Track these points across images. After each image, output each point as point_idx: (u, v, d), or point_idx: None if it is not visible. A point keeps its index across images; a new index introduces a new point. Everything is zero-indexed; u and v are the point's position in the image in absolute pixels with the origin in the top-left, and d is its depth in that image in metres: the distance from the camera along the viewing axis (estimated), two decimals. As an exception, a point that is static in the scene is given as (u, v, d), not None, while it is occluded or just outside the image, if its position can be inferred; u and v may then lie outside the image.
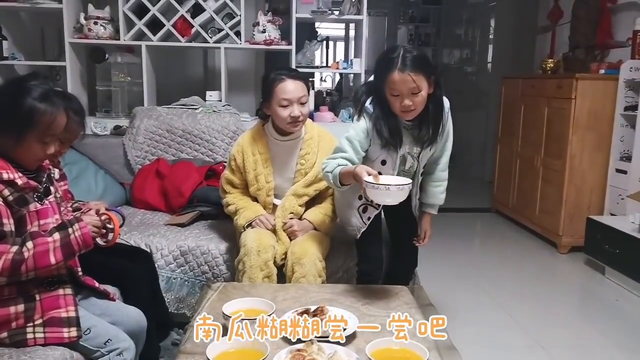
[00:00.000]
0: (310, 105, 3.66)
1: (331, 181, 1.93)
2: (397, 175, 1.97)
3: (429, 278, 2.57)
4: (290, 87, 2.13)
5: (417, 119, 1.93)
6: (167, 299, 2.32)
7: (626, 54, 3.76)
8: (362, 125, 1.96)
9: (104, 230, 1.58)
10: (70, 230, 1.43)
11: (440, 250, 3.53)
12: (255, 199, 2.33)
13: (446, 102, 2.00)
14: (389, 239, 2.35)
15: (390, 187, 1.60)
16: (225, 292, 1.84)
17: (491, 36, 6.54)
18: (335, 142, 2.18)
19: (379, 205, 2.07)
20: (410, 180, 1.78)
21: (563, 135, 3.73)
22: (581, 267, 3.55)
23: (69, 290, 1.50)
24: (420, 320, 1.61)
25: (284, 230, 2.20)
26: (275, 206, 2.31)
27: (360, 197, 2.06)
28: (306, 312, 1.57)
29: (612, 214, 3.62)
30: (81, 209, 1.82)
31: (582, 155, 3.69)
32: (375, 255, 2.19)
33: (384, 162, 2.00)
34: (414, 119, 1.93)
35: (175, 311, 2.34)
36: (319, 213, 2.27)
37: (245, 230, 2.20)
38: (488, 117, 6.22)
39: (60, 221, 1.50)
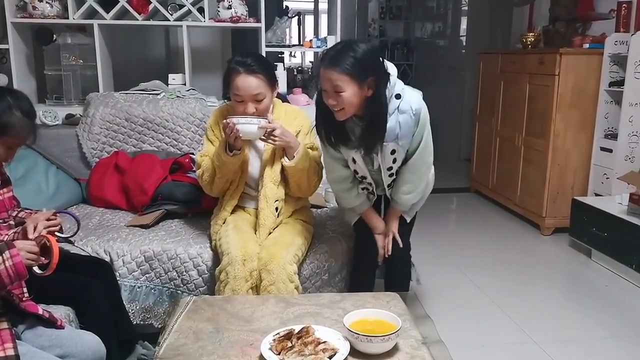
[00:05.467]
0: (282, 85, 3.43)
1: (347, 208, 2.14)
2: (370, 176, 2.02)
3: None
4: (243, 84, 1.95)
5: (364, 119, 1.85)
6: (132, 310, 2.10)
7: (609, 26, 3.63)
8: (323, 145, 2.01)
9: (43, 259, 1.33)
10: None
11: (418, 234, 3.36)
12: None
13: (414, 104, 1.87)
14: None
15: (372, 339, 1.35)
16: (196, 309, 1.62)
17: (464, 8, 6.36)
18: (301, 114, 2.17)
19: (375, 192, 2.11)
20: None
21: (546, 114, 3.59)
22: (566, 249, 3.45)
23: (5, 324, 1.26)
24: (414, 334, 1.47)
25: (267, 137, 1.97)
26: (249, 196, 2.14)
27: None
28: (289, 335, 1.38)
29: (596, 194, 3.52)
30: (25, 221, 1.57)
31: (565, 134, 3.57)
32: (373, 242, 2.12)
33: (354, 160, 1.97)
34: (361, 118, 1.85)
35: (141, 322, 2.12)
36: (307, 156, 2.05)
37: (232, 155, 1.97)
38: (463, 93, 6.07)
39: None
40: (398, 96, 1.85)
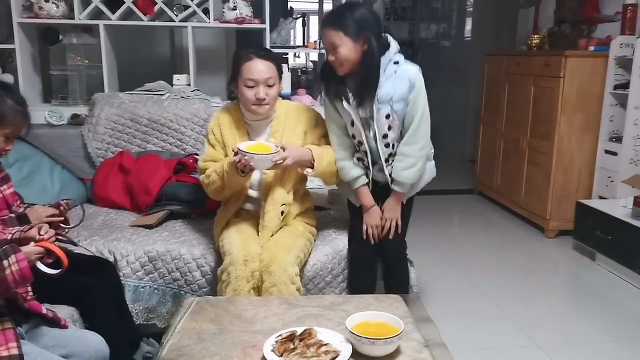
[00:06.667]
0: (287, 86, 3.44)
1: (345, 181, 2.14)
2: (366, 142, 2.04)
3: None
4: (256, 67, 2.01)
5: (359, 73, 1.96)
6: (135, 309, 2.10)
7: (614, 29, 3.61)
8: (326, 106, 2.09)
9: (49, 260, 1.34)
10: (5, 263, 1.19)
11: (421, 235, 3.37)
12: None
13: (410, 72, 1.98)
14: None
15: (375, 342, 1.36)
16: (199, 310, 1.63)
17: (469, 9, 6.35)
18: (304, 109, 2.18)
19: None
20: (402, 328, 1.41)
21: (551, 116, 3.58)
22: (570, 252, 3.44)
23: (8, 324, 1.27)
24: (417, 337, 1.47)
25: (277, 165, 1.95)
26: (253, 198, 2.13)
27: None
28: (291, 337, 1.38)
29: (600, 197, 3.51)
30: (24, 214, 1.59)
31: (570, 136, 3.56)
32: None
33: (352, 123, 2.03)
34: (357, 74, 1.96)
35: (145, 322, 2.13)
36: (323, 154, 2.06)
37: (243, 175, 1.95)
38: (468, 94, 6.06)
39: None
40: (396, 62, 1.97)
